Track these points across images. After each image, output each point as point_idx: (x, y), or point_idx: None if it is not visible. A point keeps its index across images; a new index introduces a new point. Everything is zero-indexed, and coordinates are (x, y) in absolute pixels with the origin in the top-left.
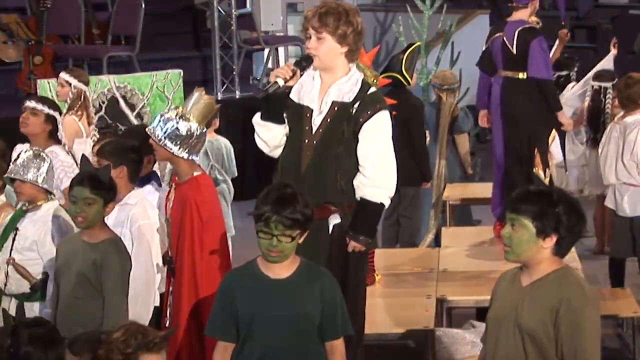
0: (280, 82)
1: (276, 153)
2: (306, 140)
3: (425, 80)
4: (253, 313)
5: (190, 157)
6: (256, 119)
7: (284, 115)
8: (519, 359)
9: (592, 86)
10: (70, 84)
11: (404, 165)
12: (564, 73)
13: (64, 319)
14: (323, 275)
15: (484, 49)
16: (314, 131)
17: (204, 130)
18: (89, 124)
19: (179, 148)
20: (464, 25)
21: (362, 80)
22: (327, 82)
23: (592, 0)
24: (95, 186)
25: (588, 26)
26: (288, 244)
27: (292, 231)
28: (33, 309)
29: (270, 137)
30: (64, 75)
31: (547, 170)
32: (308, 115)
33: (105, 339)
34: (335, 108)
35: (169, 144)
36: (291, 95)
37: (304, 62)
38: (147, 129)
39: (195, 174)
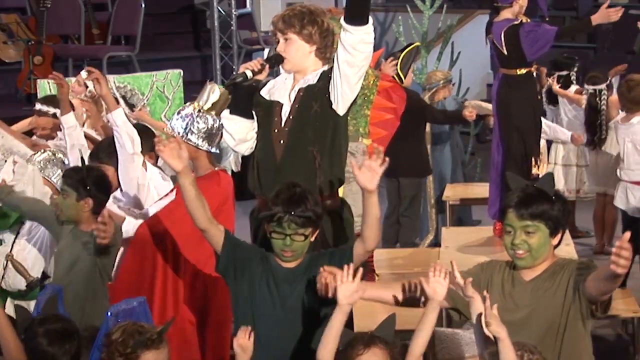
0: (248, 74)
1: (241, 148)
2: (276, 130)
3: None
4: (257, 298)
5: (212, 150)
6: (224, 113)
7: (254, 111)
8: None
9: (587, 90)
10: (87, 86)
11: (403, 157)
12: (564, 73)
13: None
14: (316, 256)
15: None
16: (284, 121)
17: (221, 122)
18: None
19: (203, 141)
20: (464, 25)
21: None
22: (299, 80)
23: (592, 0)
24: (68, 177)
25: None
26: (301, 243)
27: (304, 229)
28: (30, 308)
29: (236, 129)
30: (83, 74)
31: (537, 165)
32: (278, 108)
33: (105, 342)
34: (301, 93)
35: (193, 138)
36: (262, 93)
37: (274, 59)
38: (165, 129)
39: (216, 168)
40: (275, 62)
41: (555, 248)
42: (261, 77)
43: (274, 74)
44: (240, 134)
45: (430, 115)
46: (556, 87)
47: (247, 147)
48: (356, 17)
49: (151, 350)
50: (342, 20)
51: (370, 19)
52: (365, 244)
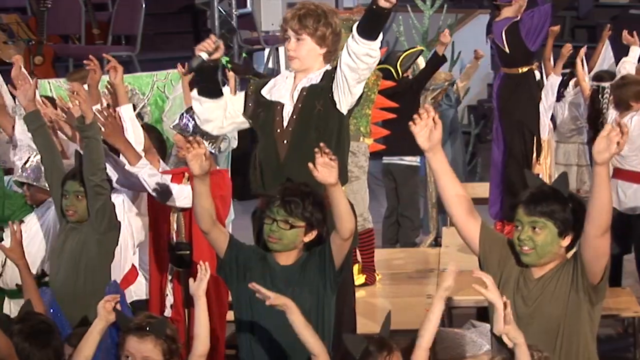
0: (204, 56)
1: (207, 127)
2: (278, 130)
3: None
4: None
5: (214, 151)
6: (192, 93)
7: (255, 112)
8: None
9: (592, 86)
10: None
11: (401, 138)
12: (566, 71)
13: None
14: (309, 256)
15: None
16: (286, 121)
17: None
18: None
19: (208, 142)
20: (464, 25)
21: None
22: (302, 79)
23: (592, 0)
24: (82, 179)
25: (588, 26)
26: (287, 232)
27: (294, 219)
28: None
29: (202, 110)
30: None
31: (539, 162)
32: (279, 108)
33: None
34: (304, 93)
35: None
36: (263, 92)
37: (227, 34)
38: (172, 126)
39: (217, 167)
40: (229, 38)
41: (568, 251)
42: (217, 55)
43: (274, 73)
44: (205, 115)
45: (418, 82)
46: (582, 57)
47: (212, 126)
48: (367, 31)
49: (134, 337)
50: (354, 27)
51: (380, 36)
52: (340, 233)
